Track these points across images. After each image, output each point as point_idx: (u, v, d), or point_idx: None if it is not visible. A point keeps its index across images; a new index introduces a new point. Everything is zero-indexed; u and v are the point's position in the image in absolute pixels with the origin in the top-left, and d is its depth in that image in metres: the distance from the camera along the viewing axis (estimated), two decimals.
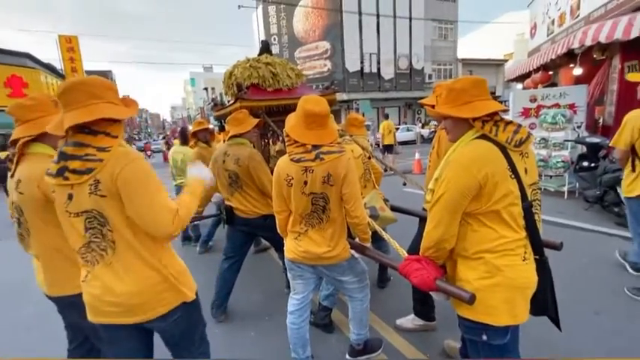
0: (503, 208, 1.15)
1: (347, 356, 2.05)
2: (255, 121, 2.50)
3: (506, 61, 27.39)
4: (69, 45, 20.02)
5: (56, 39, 19.73)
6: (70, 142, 1.11)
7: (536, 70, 7.70)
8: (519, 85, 9.53)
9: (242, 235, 2.64)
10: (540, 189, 1.29)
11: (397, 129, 17.82)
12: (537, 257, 1.24)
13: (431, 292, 1.32)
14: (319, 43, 21.26)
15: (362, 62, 21.64)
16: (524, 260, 1.19)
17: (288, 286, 2.90)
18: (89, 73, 24.71)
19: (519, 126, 1.21)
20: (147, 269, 1.18)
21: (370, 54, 21.81)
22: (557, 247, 1.55)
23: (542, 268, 1.24)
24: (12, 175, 1.31)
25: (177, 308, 1.26)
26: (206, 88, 36.77)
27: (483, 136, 1.20)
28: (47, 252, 1.36)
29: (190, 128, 4.32)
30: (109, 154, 1.10)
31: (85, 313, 1.24)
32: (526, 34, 13.40)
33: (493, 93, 26.05)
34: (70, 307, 1.39)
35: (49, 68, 18.11)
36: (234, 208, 2.54)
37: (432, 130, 19.11)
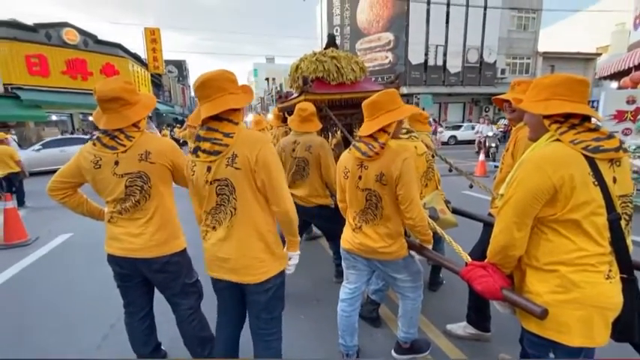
0: (584, 217, 1.05)
1: (393, 352, 2.06)
2: (320, 125, 2.63)
3: (598, 55, 23.84)
4: (152, 37, 22.25)
5: (142, 31, 22.05)
6: (204, 127, 1.34)
7: (638, 67, 6.65)
8: (614, 84, 8.32)
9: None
10: (632, 203, 1.15)
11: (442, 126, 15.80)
12: (624, 276, 1.12)
13: (495, 303, 1.27)
14: (382, 35, 20.69)
15: (426, 54, 20.58)
16: (607, 278, 1.08)
17: (337, 276, 3.00)
18: (167, 62, 27.23)
19: (609, 136, 1.08)
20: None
21: (436, 46, 20.63)
22: None
23: (630, 289, 1.11)
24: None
25: (272, 278, 1.43)
26: (267, 79, 38.20)
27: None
28: (166, 214, 1.62)
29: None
30: (232, 139, 1.30)
31: (180, 272, 1.61)
32: (628, 24, 11.56)
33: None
34: (169, 264, 1.62)
35: (135, 57, 20.35)
36: (293, 195, 2.65)
37: (501, 129, 17.54)
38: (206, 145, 1.31)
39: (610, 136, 1.09)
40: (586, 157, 1.05)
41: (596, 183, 1.05)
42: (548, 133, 1.15)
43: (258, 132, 1.43)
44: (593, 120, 1.14)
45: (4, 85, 12.61)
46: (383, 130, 1.59)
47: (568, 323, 1.08)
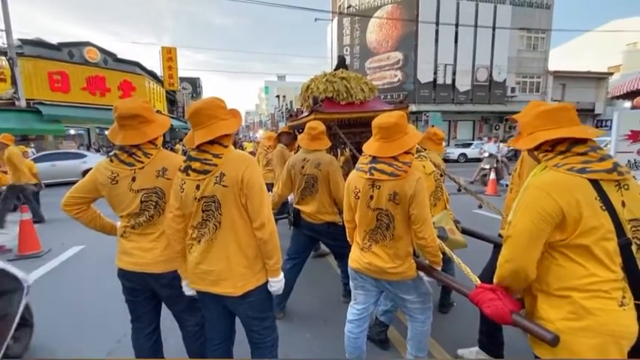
0: (594, 242, 1.04)
1: None
2: (329, 143, 2.69)
3: (610, 74, 23.77)
4: (169, 55, 23.06)
5: (159, 50, 22.90)
6: (196, 149, 1.43)
7: None
8: (627, 104, 8.21)
9: (306, 238, 2.76)
10: None
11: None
12: (639, 303, 1.08)
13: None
14: (391, 54, 21.07)
15: (435, 73, 20.81)
16: (621, 305, 1.05)
17: (345, 295, 2.96)
18: (182, 79, 28.08)
19: (602, 159, 1.08)
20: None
21: (445, 65, 20.86)
22: None
23: None
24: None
25: (252, 291, 1.48)
26: (278, 96, 38.93)
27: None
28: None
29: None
30: (221, 160, 1.40)
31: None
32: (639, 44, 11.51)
33: (591, 111, 22.72)
34: (177, 280, 1.62)
35: (151, 75, 21.05)
36: (302, 212, 2.67)
37: (511, 147, 17.35)
38: (196, 165, 1.41)
39: (602, 159, 1.08)
40: (592, 182, 1.05)
41: (603, 208, 1.04)
42: (542, 163, 1.18)
43: (245, 153, 1.53)
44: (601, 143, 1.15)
45: (26, 100, 13.13)
46: (406, 151, 1.62)
47: (581, 352, 1.05)
